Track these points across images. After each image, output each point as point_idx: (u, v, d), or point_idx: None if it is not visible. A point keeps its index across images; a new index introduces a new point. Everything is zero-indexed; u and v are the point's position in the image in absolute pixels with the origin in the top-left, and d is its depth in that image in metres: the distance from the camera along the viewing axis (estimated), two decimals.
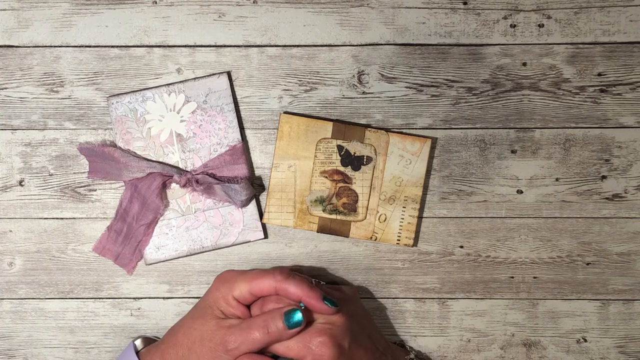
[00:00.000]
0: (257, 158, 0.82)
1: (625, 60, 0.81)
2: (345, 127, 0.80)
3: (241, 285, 0.73)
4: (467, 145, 0.81)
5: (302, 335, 0.72)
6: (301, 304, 0.72)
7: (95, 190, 0.81)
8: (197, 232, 0.80)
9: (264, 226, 0.81)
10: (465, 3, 0.81)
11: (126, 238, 0.80)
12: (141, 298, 0.82)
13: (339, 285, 0.80)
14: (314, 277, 0.77)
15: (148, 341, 0.80)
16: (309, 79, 0.81)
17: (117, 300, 0.82)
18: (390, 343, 0.79)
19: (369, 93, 0.81)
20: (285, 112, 0.81)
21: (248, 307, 0.75)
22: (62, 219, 0.81)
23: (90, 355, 0.82)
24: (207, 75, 0.80)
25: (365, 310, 0.79)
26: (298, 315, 0.70)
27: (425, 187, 0.82)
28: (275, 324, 0.71)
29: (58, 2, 0.80)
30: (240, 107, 0.81)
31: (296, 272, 0.75)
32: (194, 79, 0.80)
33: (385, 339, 0.79)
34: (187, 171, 0.80)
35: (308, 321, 0.72)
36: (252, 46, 0.81)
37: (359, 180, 0.80)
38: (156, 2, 0.80)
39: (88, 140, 0.81)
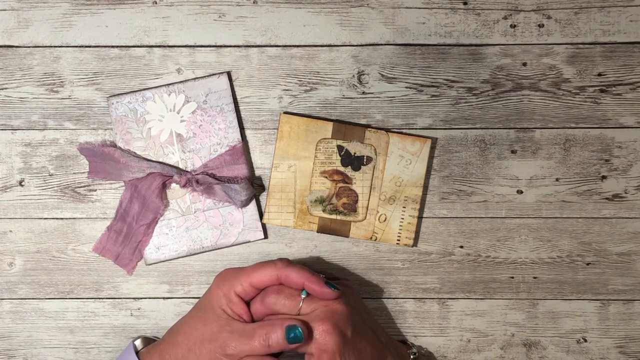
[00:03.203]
0: (257, 158, 0.82)
1: (625, 60, 0.81)
2: (345, 127, 0.80)
3: (242, 279, 0.73)
4: (467, 145, 0.81)
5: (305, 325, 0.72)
6: (303, 292, 0.72)
7: (95, 190, 0.81)
8: (197, 232, 0.80)
9: (264, 226, 0.81)
10: (465, 3, 0.81)
11: (126, 238, 0.80)
12: (141, 298, 0.82)
13: (337, 279, 0.80)
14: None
15: (148, 341, 0.80)
16: (309, 79, 0.81)
17: (117, 300, 0.82)
18: (392, 338, 0.79)
19: (369, 93, 0.81)
20: (285, 112, 0.81)
21: (248, 303, 0.75)
22: (62, 219, 0.81)
23: (90, 355, 0.82)
24: (207, 75, 0.80)
25: (365, 304, 0.79)
26: (298, 331, 0.70)
27: (425, 187, 0.82)
28: (276, 335, 0.70)
29: (58, 2, 0.80)
30: (240, 107, 0.81)
31: None
32: (194, 79, 0.80)
33: (387, 333, 0.79)
34: (187, 171, 0.80)
35: (307, 312, 0.72)
36: (252, 46, 0.81)
37: (359, 181, 0.80)
38: (156, 2, 0.80)
39: (88, 140, 0.81)
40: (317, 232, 0.80)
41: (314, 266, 0.82)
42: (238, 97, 0.81)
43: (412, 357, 0.78)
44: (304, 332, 0.70)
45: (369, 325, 0.76)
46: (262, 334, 0.71)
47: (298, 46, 0.81)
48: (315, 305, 0.73)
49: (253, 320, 0.74)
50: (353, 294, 0.77)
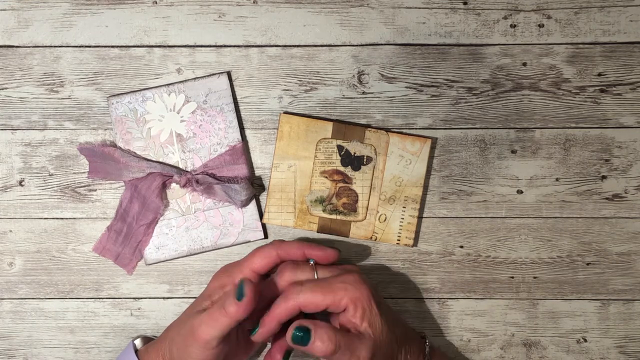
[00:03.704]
0: (257, 158, 0.82)
1: (625, 60, 0.81)
2: (345, 127, 0.80)
3: (244, 268, 0.73)
4: (467, 145, 0.81)
5: (333, 280, 0.70)
6: (311, 261, 0.73)
7: (95, 190, 0.81)
8: (197, 232, 0.80)
9: (264, 226, 0.81)
10: (465, 3, 0.81)
11: (126, 238, 0.80)
12: (141, 298, 0.82)
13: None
14: None
15: (147, 341, 0.80)
16: (309, 79, 0.81)
17: (117, 300, 0.82)
18: None
19: (369, 93, 0.81)
20: (285, 112, 0.81)
21: None
22: (62, 219, 0.81)
23: (90, 355, 0.82)
24: (207, 75, 0.80)
25: None
26: (241, 286, 0.68)
27: (425, 187, 0.82)
28: (229, 299, 0.68)
29: (58, 2, 0.80)
30: (240, 107, 0.81)
31: None
32: (194, 79, 0.80)
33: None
34: (187, 171, 0.80)
35: (324, 276, 0.72)
36: (252, 46, 0.81)
37: (359, 180, 0.80)
38: (156, 2, 0.80)
39: (88, 140, 0.81)
40: (317, 232, 0.80)
41: None
42: (238, 97, 0.81)
43: (427, 344, 0.77)
44: (247, 286, 0.68)
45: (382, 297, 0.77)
46: (219, 304, 0.69)
47: (298, 46, 0.81)
48: (332, 269, 0.72)
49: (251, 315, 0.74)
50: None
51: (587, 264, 0.82)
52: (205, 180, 0.79)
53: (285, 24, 0.81)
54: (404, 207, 0.80)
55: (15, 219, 0.81)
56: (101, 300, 0.82)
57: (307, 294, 0.69)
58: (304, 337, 0.68)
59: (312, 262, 0.73)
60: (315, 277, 0.72)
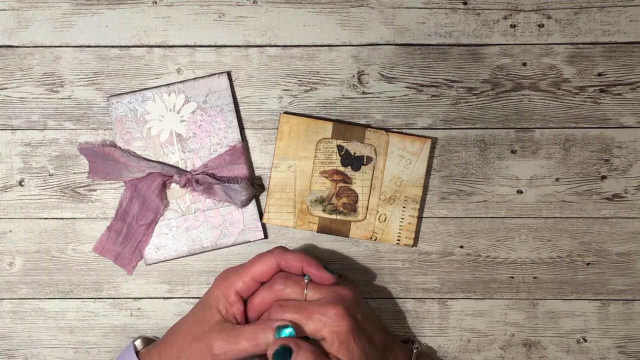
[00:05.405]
0: (257, 158, 0.82)
1: (625, 60, 0.81)
2: (345, 127, 0.80)
3: (243, 275, 0.73)
4: (467, 145, 0.81)
5: (315, 309, 0.71)
6: (305, 277, 0.72)
7: (95, 190, 0.81)
8: (197, 232, 0.80)
9: (264, 226, 0.81)
10: (465, 3, 0.81)
11: (126, 238, 0.80)
12: (141, 298, 0.82)
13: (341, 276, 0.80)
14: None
15: (148, 341, 0.80)
16: (309, 79, 0.81)
17: (117, 300, 0.82)
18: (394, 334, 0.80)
19: (369, 93, 0.81)
20: (285, 112, 0.81)
21: (245, 303, 0.74)
22: (62, 219, 0.81)
23: (90, 355, 0.82)
24: (207, 75, 0.80)
25: (366, 301, 0.79)
26: (289, 330, 0.70)
27: (425, 187, 0.82)
28: (266, 336, 0.70)
29: (58, 2, 0.80)
30: (240, 107, 0.81)
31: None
32: (194, 79, 0.80)
33: (391, 331, 0.79)
34: (187, 171, 0.80)
35: (315, 298, 0.72)
36: (252, 46, 0.81)
37: (359, 181, 0.80)
38: (156, 2, 0.80)
39: (88, 140, 0.81)
40: (317, 232, 0.80)
41: None
42: (238, 97, 0.81)
43: (415, 351, 0.78)
44: (295, 330, 0.70)
45: (376, 317, 0.76)
46: (251, 334, 0.70)
47: (298, 46, 0.81)
48: (323, 291, 0.72)
49: (247, 322, 0.74)
50: (357, 288, 0.77)
51: (587, 264, 0.82)
52: (205, 180, 0.79)
53: (285, 24, 0.81)
54: (404, 207, 0.80)
55: (15, 219, 0.81)
56: (101, 300, 0.82)
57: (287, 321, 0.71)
58: (285, 356, 0.69)
59: (306, 280, 0.73)
60: (305, 293, 0.72)
